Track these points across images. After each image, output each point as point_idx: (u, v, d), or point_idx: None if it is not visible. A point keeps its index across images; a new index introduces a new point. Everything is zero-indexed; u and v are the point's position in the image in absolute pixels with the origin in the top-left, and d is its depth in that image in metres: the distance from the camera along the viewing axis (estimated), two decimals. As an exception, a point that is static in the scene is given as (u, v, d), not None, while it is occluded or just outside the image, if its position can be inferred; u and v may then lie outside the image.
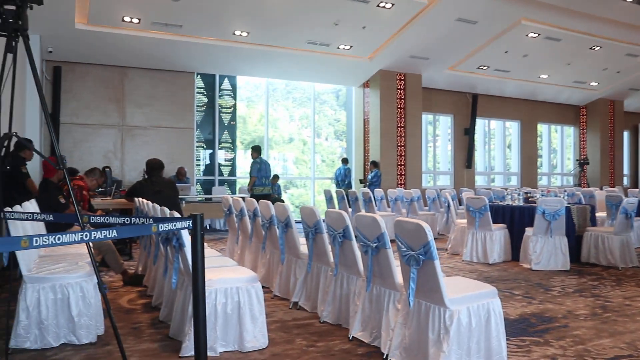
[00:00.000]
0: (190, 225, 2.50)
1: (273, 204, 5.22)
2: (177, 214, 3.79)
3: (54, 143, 2.71)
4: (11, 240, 1.93)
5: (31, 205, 4.82)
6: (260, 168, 10.92)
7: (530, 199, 7.99)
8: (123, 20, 9.56)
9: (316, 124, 14.50)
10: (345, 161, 13.52)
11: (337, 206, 10.57)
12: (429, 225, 3.05)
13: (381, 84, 13.34)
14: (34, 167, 7.96)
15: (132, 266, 6.67)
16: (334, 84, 14.46)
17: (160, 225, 2.44)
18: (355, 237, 3.81)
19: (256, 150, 11.14)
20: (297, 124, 14.93)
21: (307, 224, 4.48)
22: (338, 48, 11.64)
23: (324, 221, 4.27)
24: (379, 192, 10.79)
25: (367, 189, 10.17)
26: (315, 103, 14.40)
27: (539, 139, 18.04)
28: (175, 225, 2.54)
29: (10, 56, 2.56)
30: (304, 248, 4.77)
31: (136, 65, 11.65)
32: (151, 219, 2.74)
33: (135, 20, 9.59)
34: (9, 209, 3.69)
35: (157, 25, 9.89)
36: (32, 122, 8.89)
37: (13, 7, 2.58)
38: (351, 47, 11.69)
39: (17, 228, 3.73)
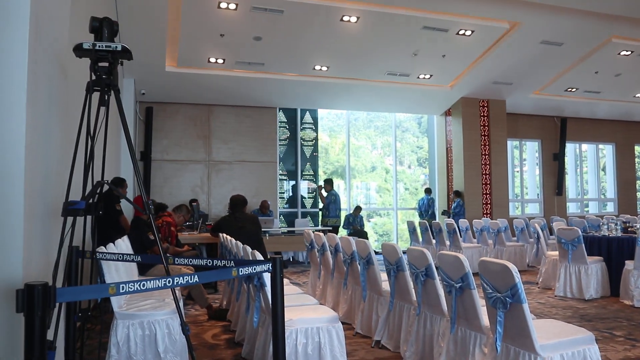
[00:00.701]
0: (270, 268, 2.53)
1: (355, 235, 5.19)
2: (258, 254, 3.84)
3: (141, 190, 2.85)
4: (100, 288, 2.03)
5: (123, 243, 5.09)
6: (335, 200, 11.01)
7: (629, 229, 7.44)
8: (209, 61, 10.04)
9: (398, 152, 14.39)
10: (428, 191, 13.27)
11: (420, 238, 10.35)
12: (515, 266, 2.90)
13: (463, 112, 13.07)
14: (127, 204, 8.43)
15: (217, 299, 6.84)
16: (415, 113, 14.34)
17: (240, 269, 2.49)
18: (438, 274, 3.69)
19: (329, 183, 11.24)
20: (379, 152, 14.88)
21: (388, 261, 4.40)
22: (418, 78, 11.56)
23: (405, 257, 4.19)
24: (463, 222, 10.47)
25: (451, 220, 9.90)
26: (397, 131, 14.33)
27: (637, 160, 16.88)
28: (255, 268, 2.57)
29: (103, 109, 2.73)
30: (385, 285, 4.68)
31: (222, 103, 12.15)
32: (232, 262, 2.79)
33: (220, 61, 10.04)
34: (103, 248, 3.91)
35: (241, 64, 10.30)
36: (127, 163, 9.44)
37: (106, 64, 2.77)
38: (431, 76, 11.58)
39: (110, 267, 3.94)
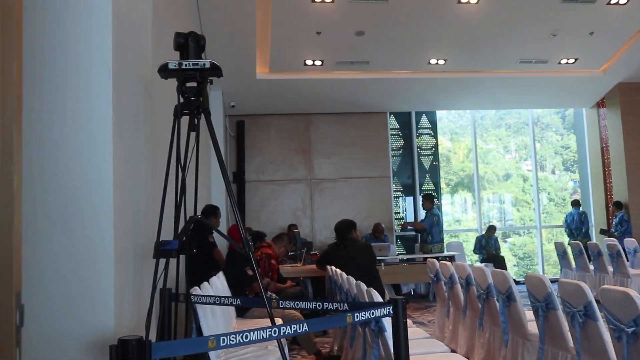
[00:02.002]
0: (391, 312, 2.52)
1: (490, 262, 5.04)
2: (375, 294, 3.84)
3: (238, 223, 2.95)
4: (199, 342, 2.12)
5: (219, 281, 5.29)
6: (438, 221, 10.74)
7: None
8: (305, 64, 10.27)
9: (538, 154, 13.87)
10: (576, 204, 12.56)
11: (573, 263, 9.84)
12: None
13: (622, 101, 12.34)
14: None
15: (326, 344, 6.90)
16: (558, 108, 13.77)
17: (355, 314, 2.50)
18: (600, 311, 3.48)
19: (429, 199, 10.99)
20: (513, 157, 14.45)
21: (535, 296, 4.22)
22: (559, 63, 11.10)
23: (556, 289, 3.99)
24: (630, 242, 9.82)
25: (613, 240, 9.33)
26: (535, 129, 13.83)
27: None
28: (373, 313, 2.57)
29: (193, 135, 2.87)
30: (532, 326, 4.48)
31: (322, 111, 12.36)
32: (345, 304, 2.81)
33: (318, 62, 10.24)
34: (197, 290, 4.09)
35: (342, 65, 10.44)
36: (218, 186, 9.84)
37: (194, 84, 2.92)
38: (576, 60, 11.06)
39: (206, 311, 4.10)
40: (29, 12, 2.27)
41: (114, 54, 2.44)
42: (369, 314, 2.52)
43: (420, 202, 11.66)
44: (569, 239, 12.21)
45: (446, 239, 13.18)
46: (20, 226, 1.79)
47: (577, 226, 12.31)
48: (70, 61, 2.38)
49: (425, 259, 8.08)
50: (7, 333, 1.67)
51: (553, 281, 4.14)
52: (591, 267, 9.45)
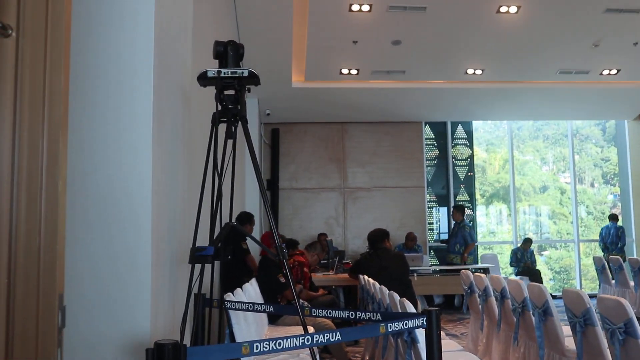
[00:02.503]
0: (425, 323, 2.52)
1: (526, 275, 4.99)
2: (408, 304, 3.83)
3: (273, 230, 2.98)
4: (232, 348, 2.16)
5: (252, 288, 5.34)
6: (471, 233, 10.67)
7: None
8: (341, 73, 10.31)
9: (577, 167, 13.69)
10: (614, 218, 12.32)
11: (612, 279, 9.66)
12: None
13: (666, 113, 12.12)
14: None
15: (357, 353, 6.89)
16: (598, 119, 13.58)
17: (389, 324, 2.51)
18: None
19: (460, 210, 10.90)
20: (551, 168, 14.29)
21: (572, 312, 4.16)
22: (601, 74, 10.94)
23: (594, 305, 3.93)
24: (672, 258, 9.59)
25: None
26: (574, 140, 13.65)
27: None
28: (406, 324, 2.57)
29: (230, 142, 2.92)
30: (570, 342, 4.42)
31: (356, 120, 12.40)
32: (378, 314, 2.82)
33: (354, 71, 10.28)
34: (231, 296, 4.14)
35: (378, 74, 10.45)
36: (252, 193, 9.94)
37: (232, 92, 2.97)
38: (619, 71, 10.89)
39: (239, 317, 4.15)
40: (75, 21, 2.35)
41: (155, 63, 2.50)
42: (402, 324, 2.52)
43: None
44: (603, 253, 11.99)
45: (480, 250, 13.08)
46: (64, 230, 1.85)
47: (612, 240, 12.07)
48: (113, 69, 2.45)
49: (458, 270, 8.02)
50: (50, 333, 1.72)
51: (591, 296, 4.08)
52: (631, 283, 9.26)
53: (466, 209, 12.97)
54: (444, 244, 11.35)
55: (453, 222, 11.09)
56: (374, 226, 8.26)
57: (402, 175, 12.55)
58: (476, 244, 11.19)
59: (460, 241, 10.86)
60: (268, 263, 6.24)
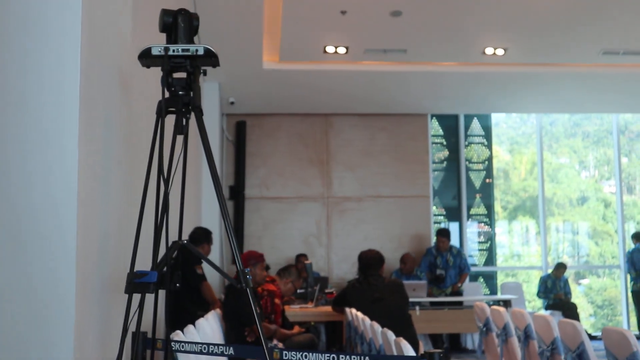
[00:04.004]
0: (424, 368, 2.54)
1: (558, 309, 5.02)
2: (406, 345, 3.84)
3: (234, 253, 2.98)
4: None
5: (207, 324, 5.31)
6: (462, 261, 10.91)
7: None
8: (325, 52, 10.28)
9: (624, 173, 13.80)
10: (639, 237, 12.33)
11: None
12: None
13: None
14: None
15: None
16: (651, 112, 13.72)
17: (379, 371, 2.53)
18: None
19: (447, 235, 11.20)
20: (592, 174, 14.41)
21: (615, 356, 4.20)
22: (654, 56, 11.07)
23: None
24: None
25: None
26: (621, 139, 13.76)
27: None
28: (401, 370, 2.60)
29: (180, 139, 2.91)
30: (610, 395, 4.47)
31: (344, 111, 12.42)
32: (366, 357, 2.83)
33: (342, 50, 10.25)
34: (180, 334, 4.12)
35: (372, 53, 10.44)
36: (209, 204, 9.90)
37: (184, 75, 2.96)
38: (677, 51, 11.03)
39: (190, 362, 4.13)
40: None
41: (83, 35, 2.49)
42: (397, 371, 2.54)
43: (434, 242, 11.70)
44: (633, 282, 12.02)
45: (501, 277, 13.15)
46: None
47: None
48: (28, 43, 2.43)
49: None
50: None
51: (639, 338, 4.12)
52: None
53: (483, 224, 13.07)
54: (439, 282, 11.35)
55: (437, 253, 11.33)
56: (365, 246, 8.26)
57: (402, 181, 12.57)
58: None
59: (457, 271, 11.08)
60: (234, 289, 6.23)
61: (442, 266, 11.27)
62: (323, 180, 12.50)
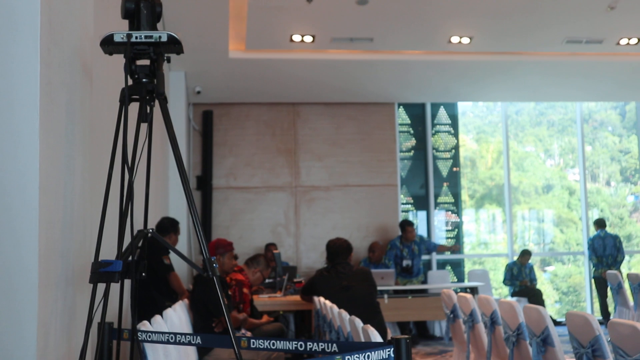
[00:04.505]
0: (392, 355, 2.54)
1: (523, 296, 5.06)
2: (374, 332, 3.85)
3: (201, 242, 2.96)
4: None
5: (175, 314, 5.29)
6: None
7: None
8: (292, 41, 10.26)
9: (588, 161, 13.93)
10: (601, 224, 12.41)
11: (631, 300, 9.88)
12: None
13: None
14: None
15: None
16: (614, 100, 13.84)
17: (346, 357, 2.52)
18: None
19: (411, 225, 11.44)
20: (556, 163, 14.55)
21: (578, 341, 4.24)
22: (618, 44, 11.12)
23: (606, 334, 4.02)
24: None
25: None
26: (585, 128, 13.88)
27: None
28: (368, 356, 2.59)
29: (144, 127, 2.88)
30: (575, 379, 4.52)
31: (312, 100, 12.41)
32: (334, 344, 2.83)
33: (308, 39, 10.23)
34: (147, 324, 4.09)
35: (339, 42, 10.43)
36: (176, 194, 9.85)
37: (147, 62, 2.93)
38: None
39: (157, 351, 4.10)
40: None
41: (42, 21, 2.45)
42: (364, 357, 2.54)
43: (400, 232, 11.69)
44: (595, 268, 12.17)
45: (468, 265, 13.25)
46: None
47: (612, 253, 12.20)
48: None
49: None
50: None
51: (601, 323, 4.17)
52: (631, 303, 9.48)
53: (450, 213, 13.15)
54: (407, 272, 11.39)
55: (402, 245, 11.41)
56: (334, 235, 8.29)
57: (370, 170, 12.59)
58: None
59: (420, 260, 11.21)
60: (201, 279, 6.21)
61: (409, 257, 11.32)
62: (291, 170, 12.49)
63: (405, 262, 11.27)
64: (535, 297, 11.32)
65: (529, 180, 14.17)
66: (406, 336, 2.52)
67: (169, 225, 7.03)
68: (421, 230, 13.05)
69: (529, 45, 10.99)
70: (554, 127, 14.39)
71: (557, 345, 4.62)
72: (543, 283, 13.32)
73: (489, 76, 11.76)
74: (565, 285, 14.09)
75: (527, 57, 11.22)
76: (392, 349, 2.49)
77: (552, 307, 13.38)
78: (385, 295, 9.52)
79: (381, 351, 2.52)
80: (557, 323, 10.29)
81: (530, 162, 14.32)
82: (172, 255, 6.77)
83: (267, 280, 9.35)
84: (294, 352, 2.87)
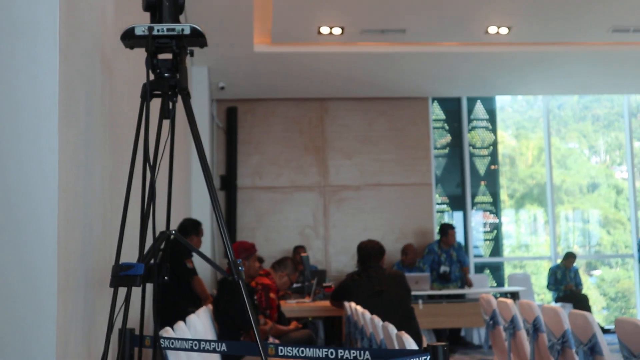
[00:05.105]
0: (428, 363, 2.53)
1: (569, 302, 5.02)
2: (408, 339, 3.84)
3: (226, 245, 2.96)
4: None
5: (198, 320, 5.31)
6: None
7: None
8: (319, 33, 10.25)
9: (637, 158, 13.78)
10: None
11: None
12: None
13: None
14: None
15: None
16: (665, 93, 13.71)
17: (380, 366, 2.52)
18: None
19: (452, 228, 11.27)
20: (602, 160, 14.42)
21: (629, 349, 4.20)
22: (667, 33, 11.04)
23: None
24: None
25: None
26: (634, 122, 13.74)
27: None
28: (403, 365, 2.59)
29: (166, 123, 2.89)
30: (624, 389, 4.48)
31: (341, 95, 12.41)
32: (367, 352, 2.82)
33: (337, 31, 10.21)
34: (170, 331, 4.11)
35: (369, 34, 10.41)
36: (199, 195, 9.89)
37: (169, 56, 2.94)
38: (691, 28, 11.01)
39: (180, 359, 4.12)
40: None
41: (62, 14, 2.47)
42: (399, 365, 2.53)
43: (439, 236, 11.59)
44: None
45: (508, 269, 13.17)
46: None
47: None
48: (2, 23, 2.41)
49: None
50: None
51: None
52: None
53: (488, 214, 13.08)
54: (445, 279, 11.31)
55: (440, 250, 11.31)
56: (365, 237, 8.26)
57: (403, 169, 12.56)
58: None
59: (458, 266, 11.15)
60: (226, 284, 6.21)
61: (447, 262, 11.26)
62: (319, 169, 12.49)
63: (442, 269, 11.20)
64: (581, 302, 11.22)
65: (572, 178, 14.04)
66: (443, 343, 2.51)
67: (190, 227, 7.04)
68: (457, 231, 12.98)
69: (571, 35, 10.89)
70: (599, 122, 14.27)
71: (606, 354, 4.58)
72: (589, 288, 13.19)
73: (528, 68, 11.68)
74: (613, 290, 13.94)
75: (569, 47, 11.12)
76: (429, 357, 2.48)
77: (599, 314, 13.24)
78: (420, 301, 9.48)
79: (417, 359, 2.51)
80: (604, 331, 10.19)
81: (574, 160, 14.20)
82: (195, 259, 6.80)
83: (294, 285, 9.35)
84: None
